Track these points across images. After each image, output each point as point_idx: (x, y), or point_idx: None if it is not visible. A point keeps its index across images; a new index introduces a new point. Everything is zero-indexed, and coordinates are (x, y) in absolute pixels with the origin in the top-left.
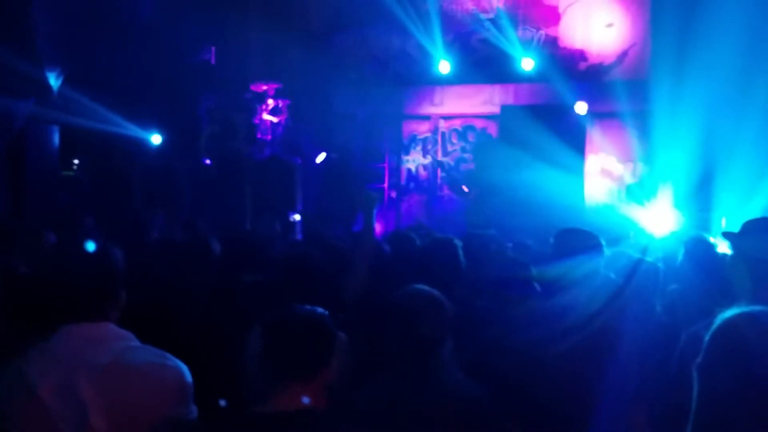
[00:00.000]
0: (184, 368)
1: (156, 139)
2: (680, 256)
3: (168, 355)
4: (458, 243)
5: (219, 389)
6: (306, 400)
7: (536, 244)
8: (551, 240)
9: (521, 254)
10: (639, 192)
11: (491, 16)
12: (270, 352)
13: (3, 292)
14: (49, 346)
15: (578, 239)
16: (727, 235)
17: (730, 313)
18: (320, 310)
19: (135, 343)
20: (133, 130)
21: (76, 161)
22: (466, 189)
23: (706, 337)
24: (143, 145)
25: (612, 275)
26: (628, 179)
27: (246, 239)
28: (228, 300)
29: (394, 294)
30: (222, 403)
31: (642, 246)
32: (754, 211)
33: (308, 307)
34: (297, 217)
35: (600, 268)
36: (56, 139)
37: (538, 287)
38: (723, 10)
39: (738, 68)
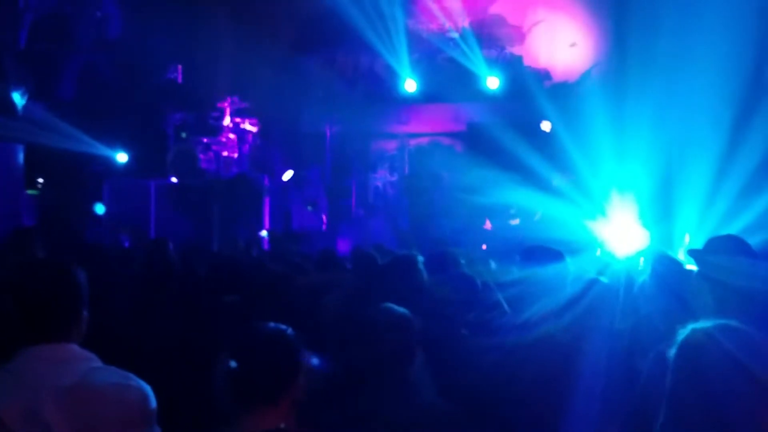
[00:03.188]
0: (148, 389)
1: (122, 157)
2: (646, 275)
3: (132, 376)
4: (420, 259)
5: (187, 411)
6: (274, 421)
7: (498, 261)
8: (517, 257)
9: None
10: (603, 208)
11: (457, 35)
12: (234, 374)
13: None
14: (11, 369)
15: (544, 257)
16: (692, 253)
17: (687, 330)
18: (284, 327)
19: (98, 364)
20: (99, 149)
21: (40, 180)
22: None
23: (670, 357)
24: (109, 164)
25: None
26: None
27: (225, 260)
28: (196, 320)
29: (361, 312)
30: None
31: (603, 264)
32: (715, 225)
33: (273, 325)
34: (264, 233)
35: (566, 286)
36: (21, 157)
37: (505, 307)
38: (683, 30)
39: (699, 86)
